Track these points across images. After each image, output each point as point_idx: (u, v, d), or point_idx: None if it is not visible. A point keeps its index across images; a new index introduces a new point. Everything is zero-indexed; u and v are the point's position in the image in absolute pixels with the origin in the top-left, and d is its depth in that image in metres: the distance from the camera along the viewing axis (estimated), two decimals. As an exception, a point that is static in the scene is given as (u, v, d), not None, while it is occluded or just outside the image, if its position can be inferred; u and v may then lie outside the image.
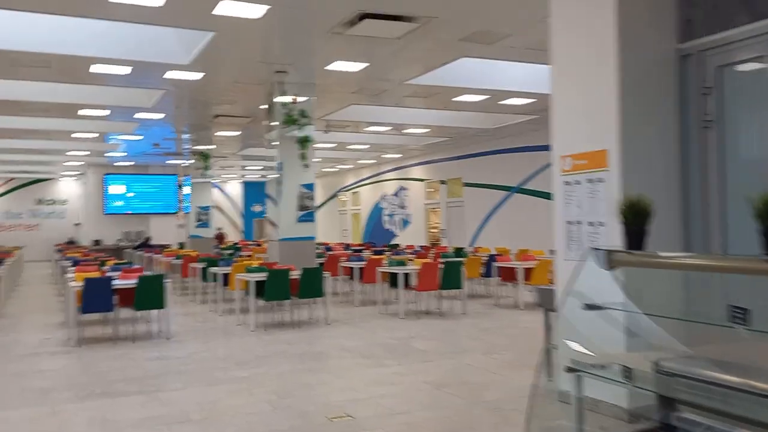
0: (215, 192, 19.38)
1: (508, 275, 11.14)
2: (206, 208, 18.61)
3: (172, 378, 6.01)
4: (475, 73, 11.63)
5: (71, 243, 27.85)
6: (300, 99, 11.60)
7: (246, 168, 29.41)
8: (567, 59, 5.02)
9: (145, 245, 21.34)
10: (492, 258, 12.12)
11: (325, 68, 10.68)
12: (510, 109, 14.34)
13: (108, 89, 12.93)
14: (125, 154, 22.87)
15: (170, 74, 10.90)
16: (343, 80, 11.61)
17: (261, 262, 11.30)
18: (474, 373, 6.08)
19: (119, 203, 26.79)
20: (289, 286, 9.05)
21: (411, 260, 12.02)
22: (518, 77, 11.88)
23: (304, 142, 11.65)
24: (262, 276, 8.98)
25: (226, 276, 10.54)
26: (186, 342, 7.89)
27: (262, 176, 33.29)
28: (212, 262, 11.93)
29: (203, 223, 18.52)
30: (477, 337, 8.02)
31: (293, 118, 11.64)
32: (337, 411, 4.79)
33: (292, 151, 11.55)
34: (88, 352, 7.32)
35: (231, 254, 16.06)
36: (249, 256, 15.26)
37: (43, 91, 12.63)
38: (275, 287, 8.92)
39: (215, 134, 18.06)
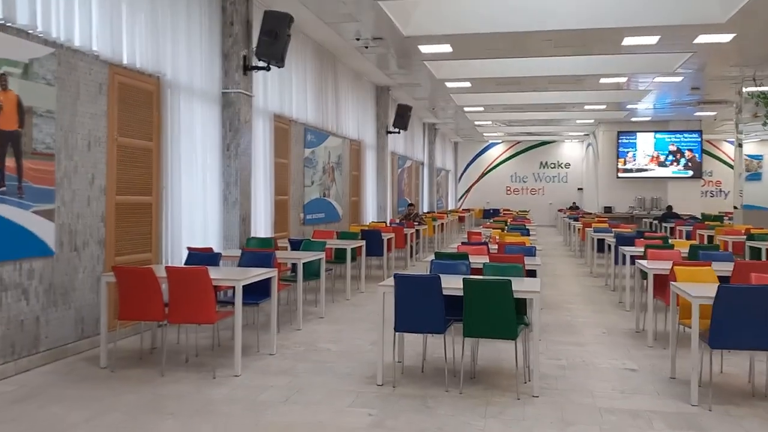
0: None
1: None
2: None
3: None
4: None
5: (574, 208, 26.00)
6: None
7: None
8: None
9: (672, 215, 17.42)
10: None
11: None
12: None
13: (665, 4, 9.37)
14: (648, 107, 19.23)
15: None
16: None
17: None
18: None
19: (632, 165, 23.45)
20: None
21: None
22: None
23: None
24: None
25: None
26: None
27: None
28: None
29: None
30: None
31: None
32: None
33: None
34: (720, 424, 3.92)
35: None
36: None
37: (584, 15, 9.88)
38: None
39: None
